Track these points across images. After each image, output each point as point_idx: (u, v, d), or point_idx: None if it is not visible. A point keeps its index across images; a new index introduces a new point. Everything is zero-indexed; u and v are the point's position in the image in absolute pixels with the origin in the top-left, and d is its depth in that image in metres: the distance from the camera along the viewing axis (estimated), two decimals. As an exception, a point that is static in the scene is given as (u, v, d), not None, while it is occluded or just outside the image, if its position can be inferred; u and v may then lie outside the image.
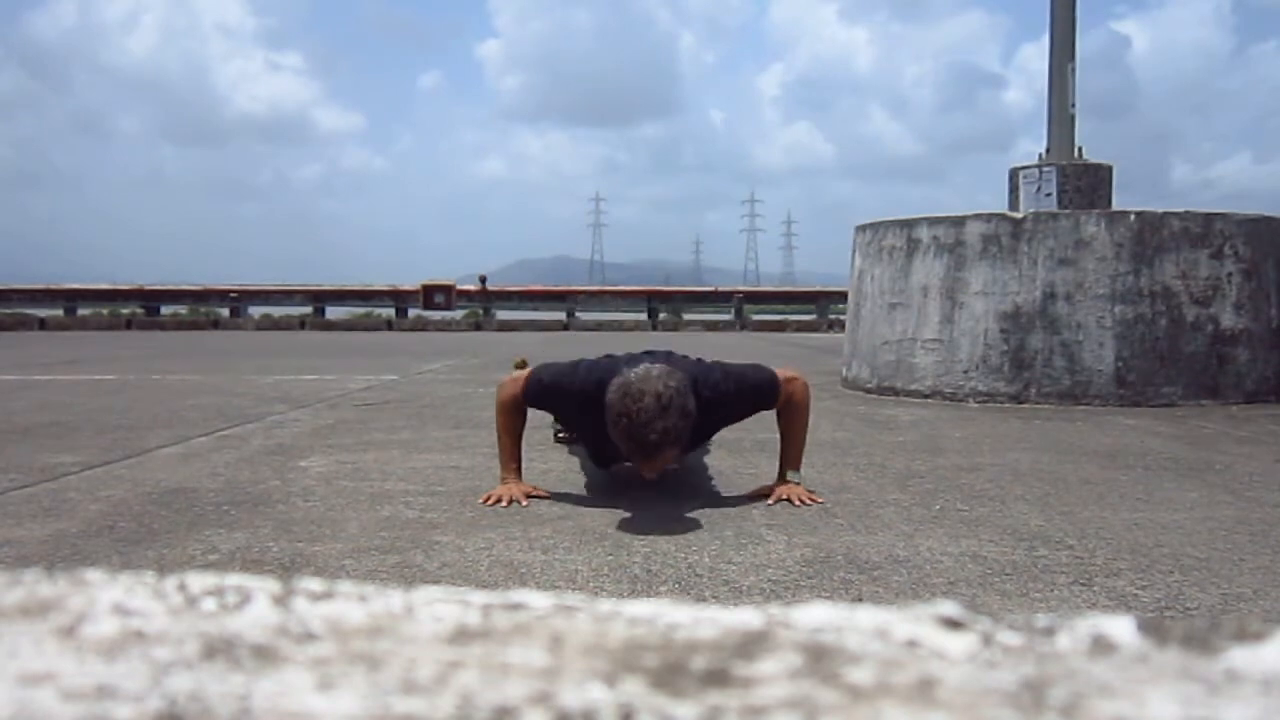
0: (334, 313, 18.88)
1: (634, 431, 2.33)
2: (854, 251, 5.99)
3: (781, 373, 2.75)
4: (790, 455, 2.76)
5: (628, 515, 2.50)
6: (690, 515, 2.51)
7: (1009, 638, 0.40)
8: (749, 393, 2.69)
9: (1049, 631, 0.41)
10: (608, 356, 2.82)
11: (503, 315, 18.62)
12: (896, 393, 5.38)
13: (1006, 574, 2.00)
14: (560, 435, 3.71)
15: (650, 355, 2.75)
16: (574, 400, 2.67)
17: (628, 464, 2.79)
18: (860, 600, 1.83)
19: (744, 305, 18.16)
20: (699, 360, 2.77)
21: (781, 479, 2.74)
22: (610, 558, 2.12)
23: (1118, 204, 5.73)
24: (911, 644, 0.40)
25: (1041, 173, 5.83)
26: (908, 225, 5.44)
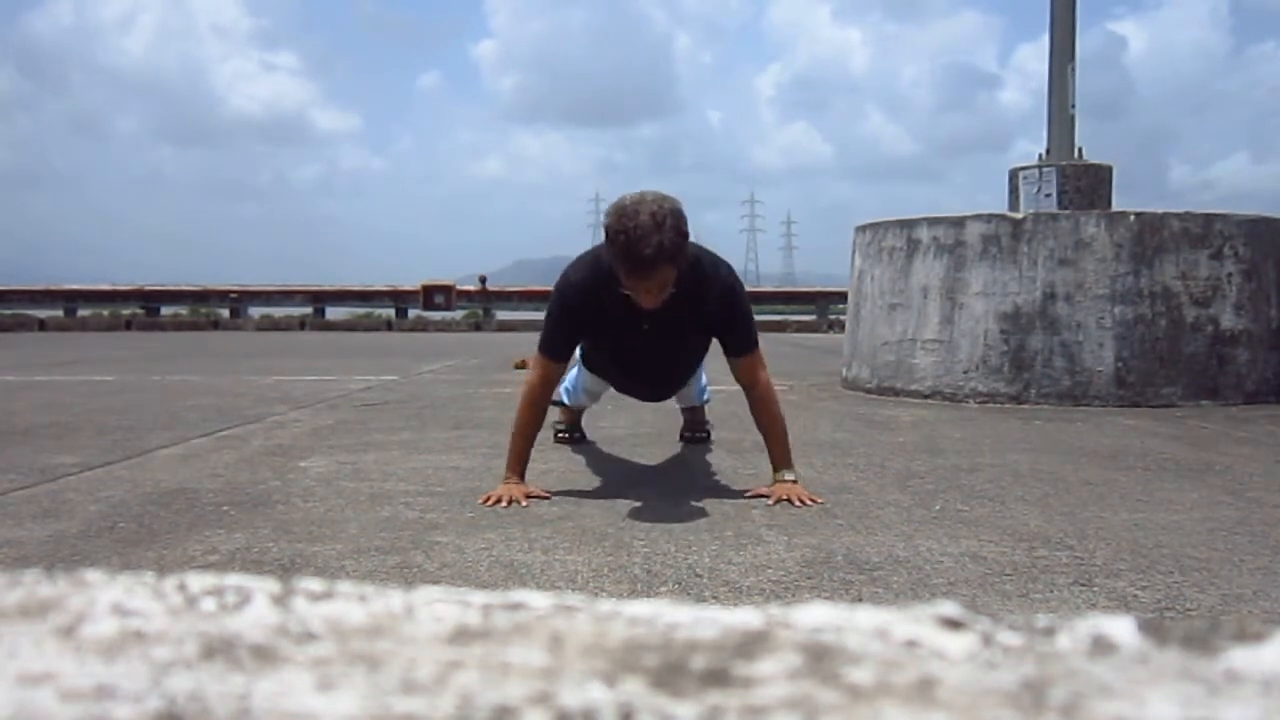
0: (334, 313, 18.88)
1: (630, 247, 2.38)
2: (854, 252, 5.99)
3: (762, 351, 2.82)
4: (778, 454, 2.77)
5: (628, 515, 2.50)
6: (690, 515, 2.51)
7: (1009, 638, 0.40)
8: (736, 306, 2.75)
9: (1049, 632, 0.41)
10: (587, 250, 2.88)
11: (503, 315, 18.62)
12: (896, 393, 5.38)
13: (1006, 574, 2.00)
14: (561, 435, 3.72)
15: None
16: (576, 295, 2.71)
17: (637, 392, 2.86)
18: (860, 600, 1.83)
19: (744, 306, 18.11)
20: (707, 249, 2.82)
21: (777, 479, 2.74)
22: (610, 558, 2.12)
23: (1117, 205, 5.73)
24: (911, 644, 0.40)
25: (1041, 173, 5.83)
26: (907, 226, 5.44)
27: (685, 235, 2.46)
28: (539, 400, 2.79)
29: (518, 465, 2.77)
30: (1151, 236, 4.94)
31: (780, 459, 2.77)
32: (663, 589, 1.90)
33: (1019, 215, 5.22)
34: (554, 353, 2.80)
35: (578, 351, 3.16)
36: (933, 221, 5.34)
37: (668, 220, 2.39)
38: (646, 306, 2.58)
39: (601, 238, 2.55)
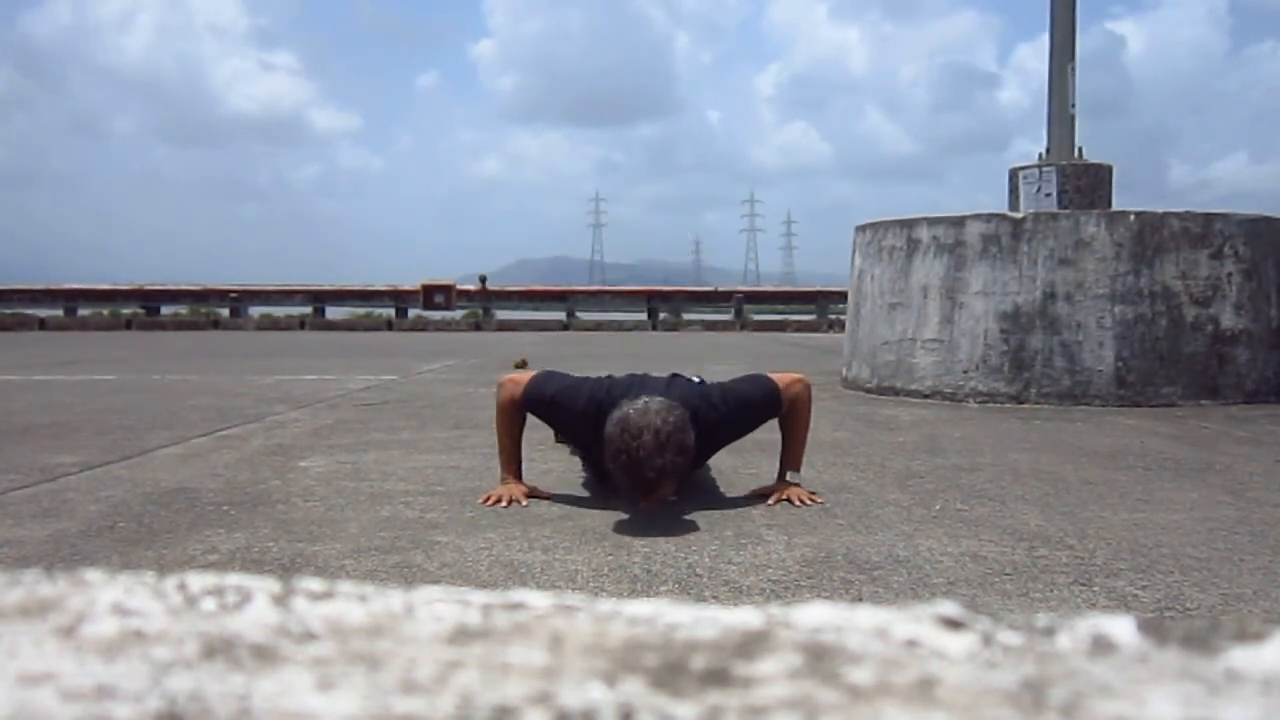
0: (334, 313, 18.88)
1: (632, 468, 2.34)
2: (854, 251, 5.99)
3: (782, 378, 2.75)
4: (791, 456, 2.77)
5: (627, 515, 2.50)
6: (690, 515, 2.51)
7: (1009, 638, 0.40)
8: (751, 411, 2.71)
9: (1049, 631, 0.41)
10: (609, 377, 2.81)
11: (503, 315, 18.63)
12: (896, 393, 5.38)
13: (1006, 574, 2.00)
14: (561, 436, 3.71)
15: (652, 381, 2.73)
16: (574, 420, 2.69)
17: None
18: (860, 600, 1.82)
19: (744, 305, 18.16)
20: (700, 383, 2.77)
21: (781, 479, 2.74)
22: (610, 558, 2.12)
23: (1117, 204, 5.73)
24: (911, 644, 0.40)
25: (1041, 173, 5.83)
26: (908, 225, 5.44)
27: (689, 452, 2.40)
28: (513, 408, 2.76)
29: (512, 465, 2.76)
30: (1151, 236, 4.94)
31: (791, 459, 2.77)
32: (663, 589, 1.90)
33: (1019, 215, 5.22)
34: (537, 407, 2.73)
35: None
36: (933, 221, 5.34)
37: (671, 439, 2.33)
38: (644, 508, 2.50)
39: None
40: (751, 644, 0.40)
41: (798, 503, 2.62)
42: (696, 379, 2.83)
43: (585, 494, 2.82)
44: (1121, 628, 0.41)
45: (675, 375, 2.84)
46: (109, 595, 0.45)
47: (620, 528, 2.39)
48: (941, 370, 5.20)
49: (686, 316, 18.64)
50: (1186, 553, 2.16)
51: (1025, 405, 4.92)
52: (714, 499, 2.73)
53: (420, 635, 0.41)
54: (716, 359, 8.06)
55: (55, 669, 0.38)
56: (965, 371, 5.12)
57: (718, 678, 0.37)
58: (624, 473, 2.37)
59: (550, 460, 3.31)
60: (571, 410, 2.67)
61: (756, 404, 2.70)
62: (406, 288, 18.78)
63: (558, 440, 3.67)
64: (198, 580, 0.47)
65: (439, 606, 0.44)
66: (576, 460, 3.38)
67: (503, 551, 2.17)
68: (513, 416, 2.76)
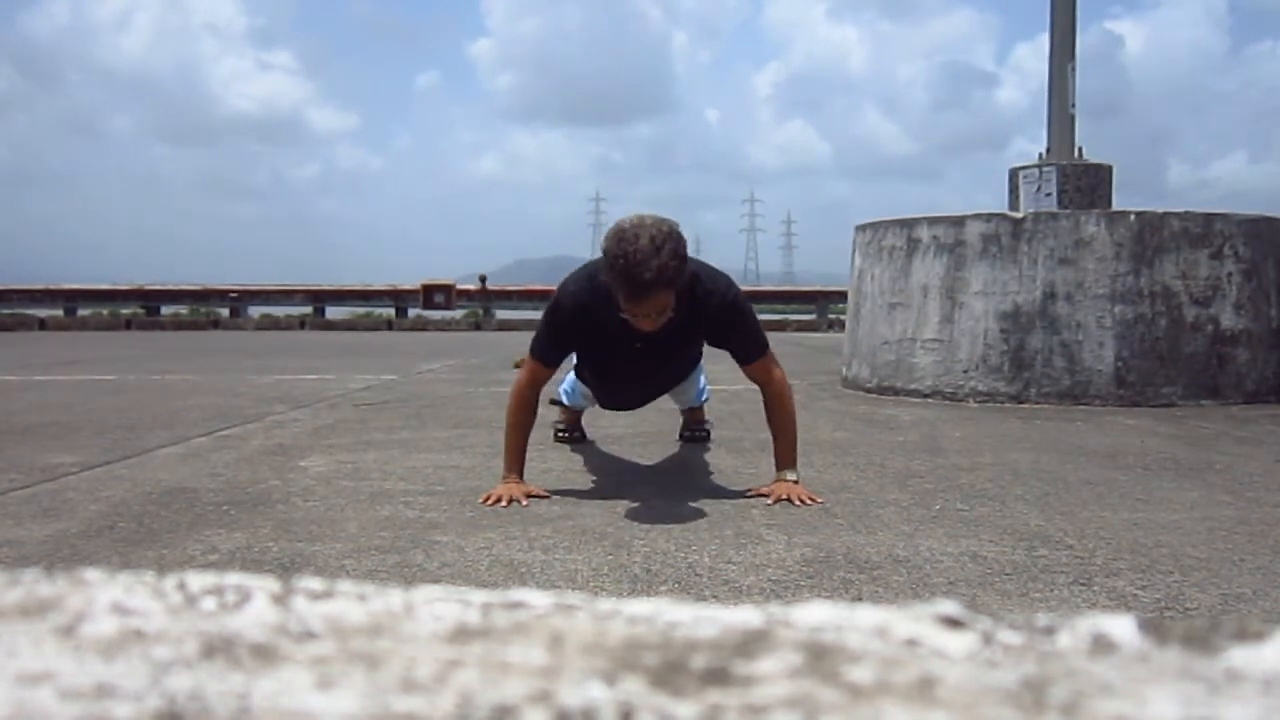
0: (334, 313, 18.87)
1: (629, 271, 2.38)
2: (854, 251, 5.99)
3: (773, 351, 2.81)
4: (784, 454, 2.77)
5: (627, 515, 2.50)
6: (690, 514, 2.51)
7: (1009, 637, 0.40)
8: (741, 318, 2.75)
9: (1049, 631, 0.41)
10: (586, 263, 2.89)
11: (503, 315, 18.62)
12: (896, 392, 5.38)
13: (1006, 574, 2.00)
14: (561, 434, 3.72)
15: None
16: (571, 308, 2.72)
17: (628, 404, 2.87)
18: (860, 599, 1.82)
19: (744, 305, 18.11)
20: (706, 264, 2.81)
21: (779, 478, 2.74)
22: (610, 557, 2.12)
23: (1117, 204, 5.73)
24: (911, 643, 0.40)
25: (1041, 172, 5.83)
26: (907, 225, 5.44)
27: (684, 259, 2.46)
28: (528, 400, 2.79)
29: (515, 464, 2.77)
30: (1151, 236, 4.94)
31: (785, 458, 2.77)
32: (662, 588, 1.90)
33: (1019, 214, 5.22)
34: (544, 357, 2.80)
35: (573, 356, 3.16)
36: (933, 221, 5.34)
37: (666, 245, 2.39)
38: (644, 330, 2.58)
39: (600, 238, 2.55)
40: (751, 643, 0.40)
41: (797, 502, 2.62)
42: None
43: (585, 494, 2.82)
44: (1122, 627, 0.41)
45: None
46: (108, 595, 0.45)
47: (620, 527, 2.39)
48: (941, 370, 5.20)
49: (686, 316, 18.58)
50: (1186, 552, 2.16)
51: (1025, 405, 4.92)
52: (714, 499, 2.73)
53: (420, 634, 0.41)
54: (716, 358, 8.05)
55: (54, 668, 0.38)
56: (965, 371, 5.13)
57: (718, 677, 0.37)
58: (622, 278, 2.41)
59: (550, 460, 3.32)
60: (565, 304, 2.72)
61: (749, 321, 2.77)
62: (406, 287, 18.78)
63: (558, 439, 3.68)
64: (197, 580, 0.47)
65: (439, 606, 0.44)
66: (577, 459, 3.38)
67: (502, 551, 2.17)
68: (526, 406, 2.78)
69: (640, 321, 2.55)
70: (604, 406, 3.36)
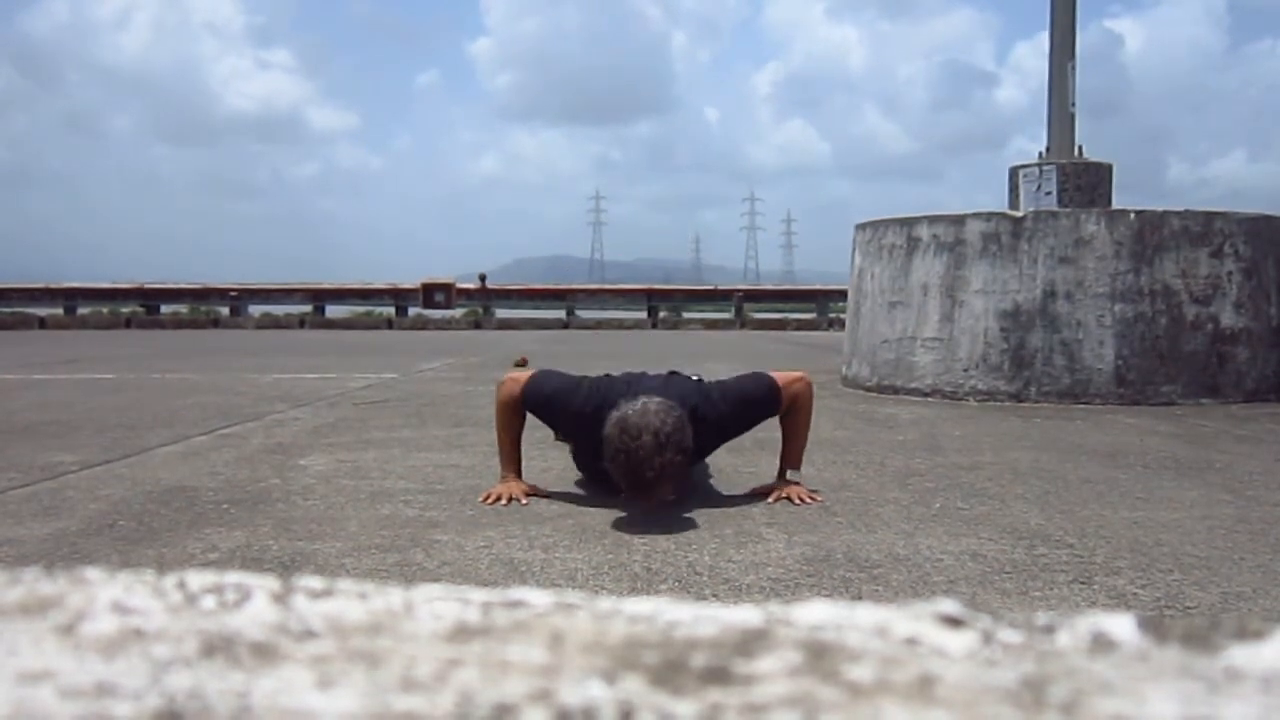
0: (334, 311, 18.87)
1: (631, 468, 2.34)
2: (854, 250, 5.99)
3: (783, 377, 2.75)
4: (791, 454, 2.77)
5: (627, 513, 2.50)
6: (690, 514, 2.51)
7: (1009, 636, 0.40)
8: (751, 408, 2.71)
9: (1049, 629, 0.41)
10: (608, 376, 2.81)
11: (502, 314, 18.62)
12: (896, 391, 5.38)
13: (1006, 572, 2.00)
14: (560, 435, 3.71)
15: (651, 380, 2.73)
16: (571, 419, 2.69)
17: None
18: (860, 598, 1.82)
19: (744, 304, 18.16)
20: (699, 382, 2.76)
21: (781, 477, 2.74)
22: (610, 556, 2.12)
23: (1117, 203, 5.73)
24: (911, 642, 0.40)
25: (1041, 171, 5.83)
26: (908, 224, 5.44)
27: (687, 451, 2.40)
28: (512, 408, 2.76)
29: (512, 463, 2.77)
30: (1152, 234, 4.94)
31: (791, 458, 2.76)
32: (662, 587, 1.90)
33: (1019, 213, 5.22)
34: (529, 403, 2.73)
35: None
36: (933, 219, 5.34)
37: (670, 439, 2.33)
38: (642, 509, 2.50)
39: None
40: (751, 642, 0.40)
41: (797, 501, 2.62)
42: (695, 377, 2.83)
43: (585, 492, 2.82)
44: (1121, 626, 0.41)
45: (673, 373, 2.84)
46: (109, 593, 0.45)
47: (620, 526, 2.39)
48: (941, 369, 5.20)
49: (686, 315, 18.63)
50: (1186, 551, 2.16)
51: (1025, 404, 4.92)
52: (714, 498, 2.73)
53: (420, 633, 0.41)
54: (716, 358, 8.06)
55: (55, 667, 0.38)
56: (965, 370, 5.12)
57: (718, 675, 0.37)
58: (623, 473, 2.37)
59: (550, 459, 3.31)
60: (569, 409, 2.67)
61: (756, 401, 2.70)
62: (406, 286, 18.78)
63: (558, 438, 3.68)
64: (197, 578, 0.47)
65: (439, 604, 0.44)
66: (576, 459, 3.38)
67: (502, 549, 2.17)
68: (512, 415, 2.77)
69: (639, 504, 2.48)
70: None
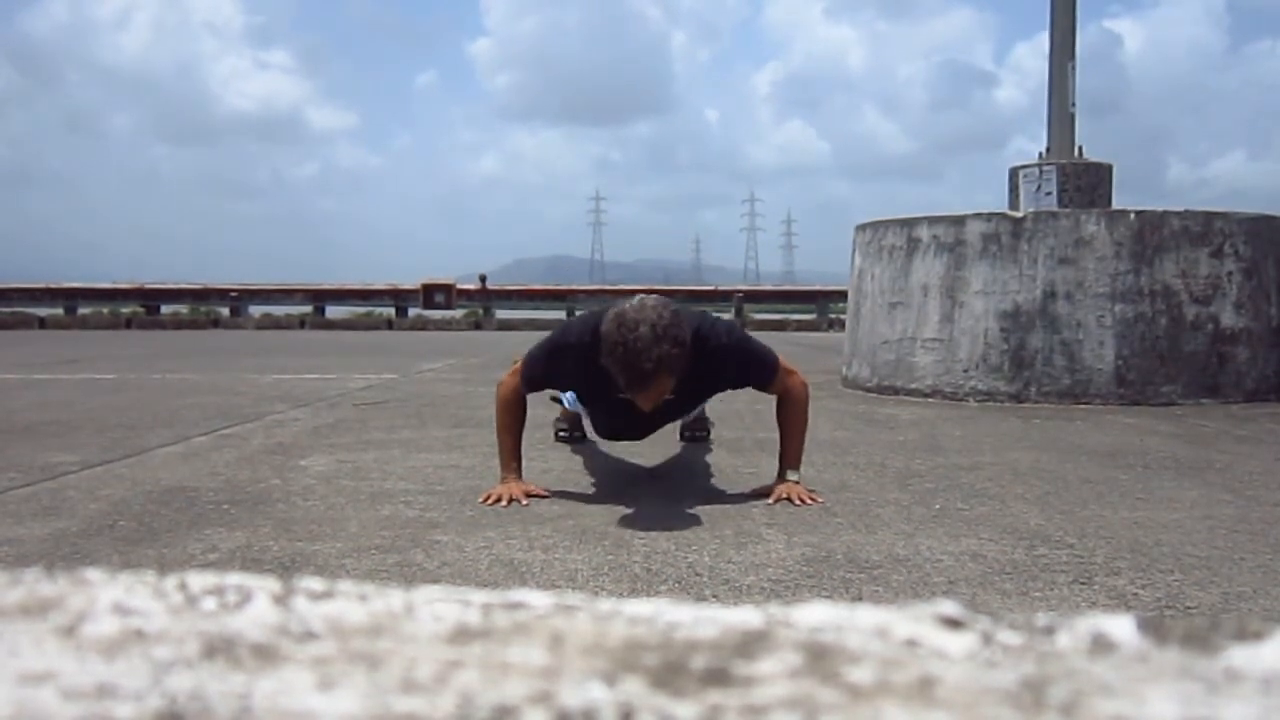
0: (334, 312, 18.87)
1: (629, 360, 2.35)
2: (854, 250, 5.99)
3: (784, 361, 2.77)
4: (790, 454, 2.77)
5: (628, 514, 2.50)
6: (690, 514, 2.51)
7: (1009, 637, 0.40)
8: (748, 358, 2.72)
9: (1049, 630, 0.41)
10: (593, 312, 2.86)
11: (503, 314, 18.62)
12: (896, 392, 5.38)
13: (1006, 573, 2.00)
14: (561, 434, 3.71)
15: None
16: (571, 357, 2.68)
17: (627, 439, 2.83)
18: (860, 599, 1.83)
19: (744, 304, 18.17)
20: (702, 312, 2.79)
21: (781, 478, 2.74)
22: (610, 557, 2.12)
23: (1117, 203, 5.73)
24: (911, 643, 0.40)
25: (1041, 172, 5.83)
26: (908, 224, 5.44)
27: (685, 344, 2.41)
28: (513, 405, 2.77)
29: (512, 463, 2.77)
30: (1152, 235, 4.94)
31: (790, 458, 2.77)
32: (663, 588, 1.90)
33: (1019, 214, 5.22)
34: (531, 381, 2.77)
35: None
36: (933, 220, 5.34)
37: (668, 331, 2.35)
38: (644, 409, 2.54)
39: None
40: (751, 643, 0.40)
41: (797, 501, 2.62)
42: (699, 311, 2.84)
43: (585, 493, 2.82)
44: (1121, 627, 0.41)
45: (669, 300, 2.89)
46: (109, 594, 0.45)
47: (620, 527, 2.39)
48: (941, 369, 5.20)
49: (686, 315, 18.57)
50: (1186, 551, 2.16)
51: (1025, 404, 4.92)
52: (714, 498, 2.73)
53: (420, 635, 0.41)
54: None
55: (56, 668, 0.38)
56: (965, 370, 5.13)
57: (718, 677, 0.37)
58: (621, 367, 2.38)
59: (550, 460, 3.32)
60: (568, 351, 2.68)
61: (755, 356, 2.73)
62: (406, 287, 18.78)
63: (558, 439, 3.68)
64: (198, 579, 0.47)
65: (439, 606, 0.44)
66: (577, 460, 3.38)
67: (503, 550, 2.17)
68: (514, 412, 2.77)
69: (639, 403, 2.50)
70: (602, 438, 3.31)
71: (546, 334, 2.85)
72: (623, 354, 2.35)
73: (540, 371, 2.76)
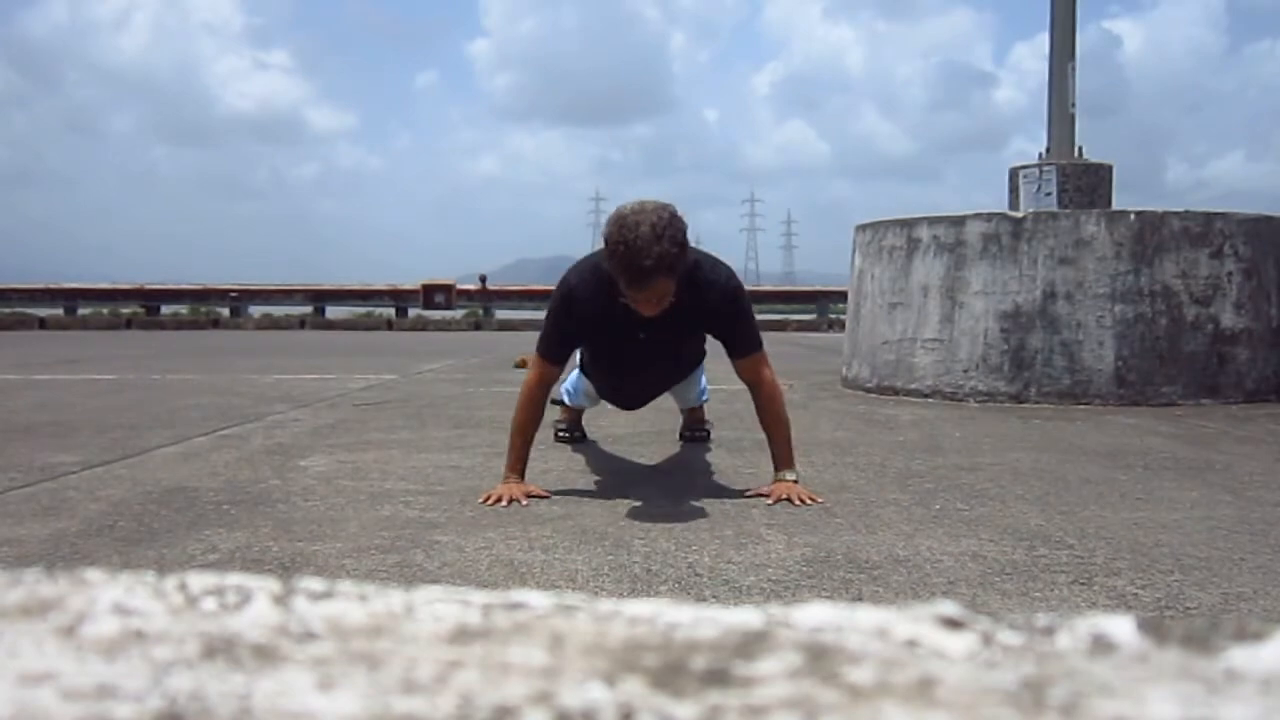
0: (334, 312, 18.88)
1: (630, 258, 2.41)
2: (854, 251, 5.99)
3: (767, 353, 2.83)
4: (780, 454, 2.78)
5: (628, 515, 2.50)
6: (690, 515, 2.51)
7: (1009, 637, 0.40)
8: (738, 311, 2.78)
9: (1049, 631, 0.41)
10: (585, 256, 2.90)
11: (503, 315, 18.63)
12: (896, 392, 5.38)
13: (1006, 573, 2.00)
14: (561, 435, 3.72)
15: None
16: (578, 298, 2.73)
17: (631, 398, 2.88)
18: (860, 600, 1.83)
19: (744, 305, 18.12)
20: (710, 254, 2.82)
21: (777, 478, 2.74)
22: (610, 557, 2.12)
23: (1117, 204, 5.73)
24: (911, 643, 0.40)
25: (1041, 172, 5.83)
26: (908, 225, 5.44)
27: (684, 245, 2.48)
28: (537, 400, 2.81)
29: (517, 464, 2.77)
30: (1151, 235, 4.94)
31: (782, 458, 2.77)
32: (663, 588, 1.90)
33: (1019, 214, 5.22)
34: (551, 354, 2.82)
35: (577, 354, 3.17)
36: (933, 220, 5.34)
37: (667, 231, 2.41)
38: (646, 314, 2.60)
39: (601, 239, 2.56)
40: (751, 644, 0.40)
41: (797, 502, 2.62)
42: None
43: (585, 494, 2.82)
44: (1121, 627, 0.41)
45: None
46: (109, 595, 0.45)
47: (620, 527, 2.39)
48: (941, 370, 5.20)
49: (686, 316, 18.58)
50: (1186, 552, 2.16)
51: (1025, 404, 4.92)
52: (714, 499, 2.73)
53: (420, 635, 0.41)
54: (717, 358, 8.05)
55: (56, 668, 0.38)
56: (965, 371, 5.12)
57: (718, 678, 0.37)
58: (621, 266, 2.44)
59: (550, 460, 3.32)
60: (571, 296, 2.74)
61: (746, 315, 2.80)
62: (406, 287, 18.79)
63: (558, 439, 3.68)
64: (198, 580, 0.47)
65: (439, 606, 0.44)
66: (577, 459, 3.38)
67: (503, 551, 2.17)
68: (532, 409, 2.80)
69: (642, 306, 2.57)
70: (608, 401, 3.38)
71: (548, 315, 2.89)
72: (624, 252, 2.41)
73: (556, 334, 2.81)
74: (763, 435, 2.89)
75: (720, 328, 2.81)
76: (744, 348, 2.79)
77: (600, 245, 2.57)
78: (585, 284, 2.71)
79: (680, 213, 2.50)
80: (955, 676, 0.37)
